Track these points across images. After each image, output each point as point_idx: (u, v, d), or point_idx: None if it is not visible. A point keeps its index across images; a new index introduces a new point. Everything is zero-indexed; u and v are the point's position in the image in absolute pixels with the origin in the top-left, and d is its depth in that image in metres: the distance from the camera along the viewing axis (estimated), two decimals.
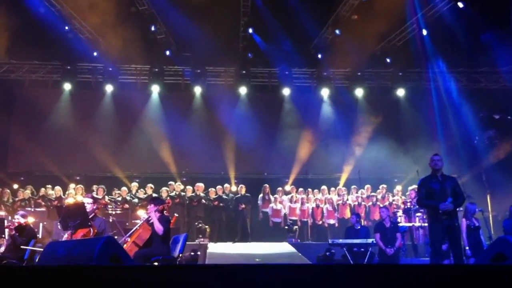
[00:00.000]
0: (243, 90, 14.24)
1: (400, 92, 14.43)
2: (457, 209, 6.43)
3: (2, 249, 7.63)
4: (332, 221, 11.89)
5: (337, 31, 12.54)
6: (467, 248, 7.76)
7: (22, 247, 7.02)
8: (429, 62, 13.57)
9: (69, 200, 10.47)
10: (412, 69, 14.41)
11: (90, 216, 6.60)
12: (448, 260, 7.05)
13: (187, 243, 6.59)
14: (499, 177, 11.80)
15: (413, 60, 13.64)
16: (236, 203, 11.91)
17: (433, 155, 6.39)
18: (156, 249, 6.05)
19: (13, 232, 7.27)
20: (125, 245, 5.88)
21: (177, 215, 10.16)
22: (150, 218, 6.31)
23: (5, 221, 8.13)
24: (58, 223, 7.10)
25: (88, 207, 6.70)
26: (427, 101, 14.18)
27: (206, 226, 11.24)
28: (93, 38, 12.82)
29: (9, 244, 7.37)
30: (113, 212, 10.82)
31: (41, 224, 9.75)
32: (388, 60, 13.87)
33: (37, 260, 6.88)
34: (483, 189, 10.82)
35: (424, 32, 12.40)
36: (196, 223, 11.30)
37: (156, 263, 5.80)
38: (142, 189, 12.05)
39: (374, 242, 8.50)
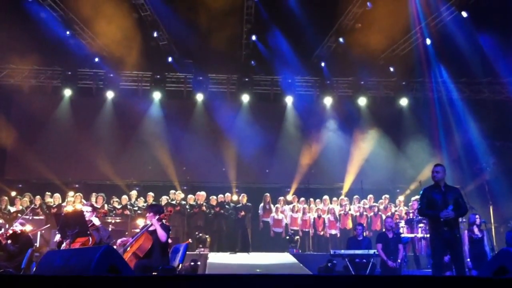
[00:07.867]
0: (245, 98, 14.20)
1: (403, 102, 14.37)
2: (459, 220, 6.35)
3: None
4: (333, 232, 11.78)
5: (340, 40, 12.51)
6: (468, 260, 7.67)
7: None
8: (432, 72, 13.55)
9: (68, 208, 10.35)
10: (415, 78, 14.34)
11: (89, 225, 6.49)
12: (450, 272, 6.94)
13: (187, 253, 6.47)
14: (502, 189, 11.72)
15: (416, 69, 13.58)
16: (236, 212, 11.80)
17: (434, 166, 6.30)
18: (156, 260, 5.88)
19: (5, 241, 7.14)
20: (124, 255, 5.74)
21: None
22: (151, 226, 6.15)
23: (2, 229, 7.98)
24: (57, 232, 6.98)
25: (87, 216, 6.60)
26: (430, 111, 14.12)
27: (207, 236, 11.12)
28: (95, 43, 12.73)
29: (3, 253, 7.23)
30: (113, 221, 10.68)
31: (38, 233, 9.60)
32: (391, 69, 13.84)
33: (34, 269, 6.76)
34: (486, 200, 10.72)
35: (428, 41, 12.38)
36: (196, 233, 11.18)
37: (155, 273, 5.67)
38: (141, 198, 11.95)
39: (376, 253, 8.39)
